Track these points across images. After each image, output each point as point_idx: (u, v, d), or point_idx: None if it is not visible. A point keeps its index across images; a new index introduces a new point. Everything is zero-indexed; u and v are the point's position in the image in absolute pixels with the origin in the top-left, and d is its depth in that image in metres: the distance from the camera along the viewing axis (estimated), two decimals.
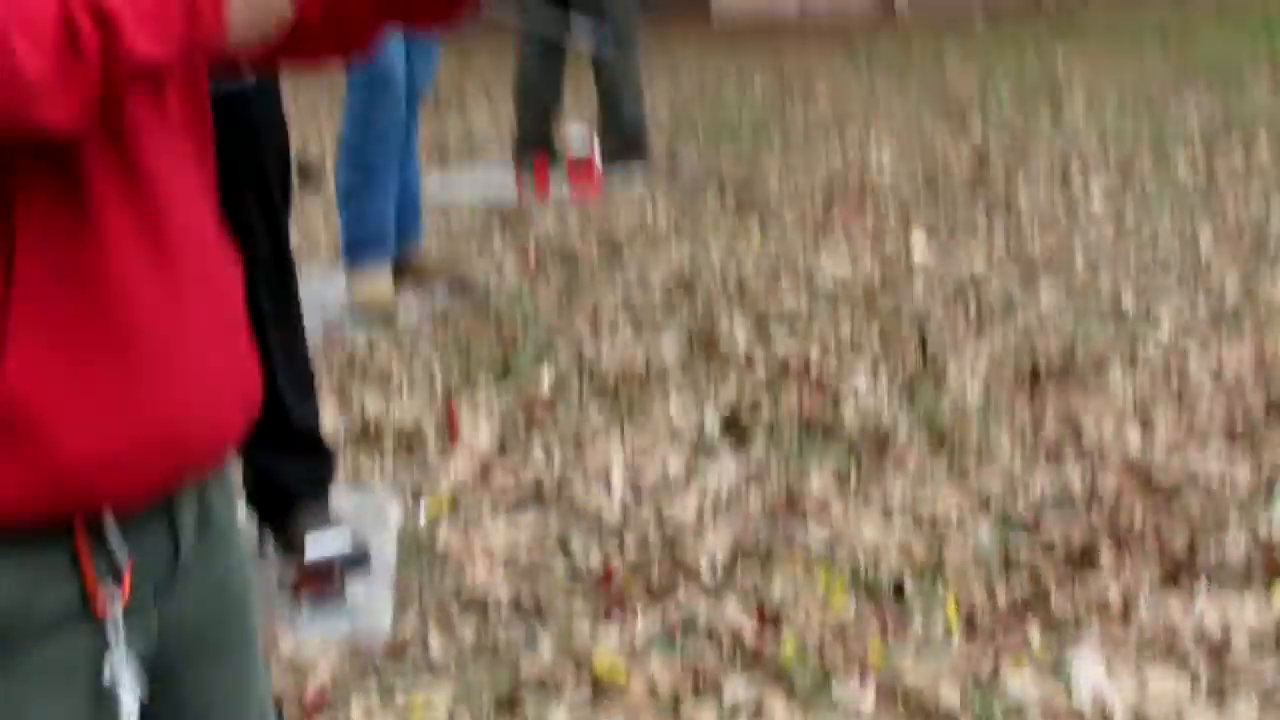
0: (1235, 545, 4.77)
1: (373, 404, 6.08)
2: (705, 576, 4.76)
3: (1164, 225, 8.36)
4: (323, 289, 7.29)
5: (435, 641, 4.30)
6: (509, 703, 3.96)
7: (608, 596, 4.57)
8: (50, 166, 2.03)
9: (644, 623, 4.37)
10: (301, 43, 2.32)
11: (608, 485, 5.49)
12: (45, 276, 2.02)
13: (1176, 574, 4.60)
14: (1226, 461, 5.43)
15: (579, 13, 9.68)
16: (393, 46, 7.20)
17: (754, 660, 4.15)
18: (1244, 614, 4.28)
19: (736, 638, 4.25)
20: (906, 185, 9.75)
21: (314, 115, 11.78)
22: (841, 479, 5.39)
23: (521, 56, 10.18)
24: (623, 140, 10.75)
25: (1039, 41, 15.85)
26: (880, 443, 5.73)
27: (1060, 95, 12.51)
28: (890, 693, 3.95)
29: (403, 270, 7.61)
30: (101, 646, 2.12)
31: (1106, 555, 4.66)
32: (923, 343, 6.84)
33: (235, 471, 2.90)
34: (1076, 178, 9.59)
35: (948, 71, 14.35)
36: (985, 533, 4.93)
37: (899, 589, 4.52)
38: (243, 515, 4.50)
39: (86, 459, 2.03)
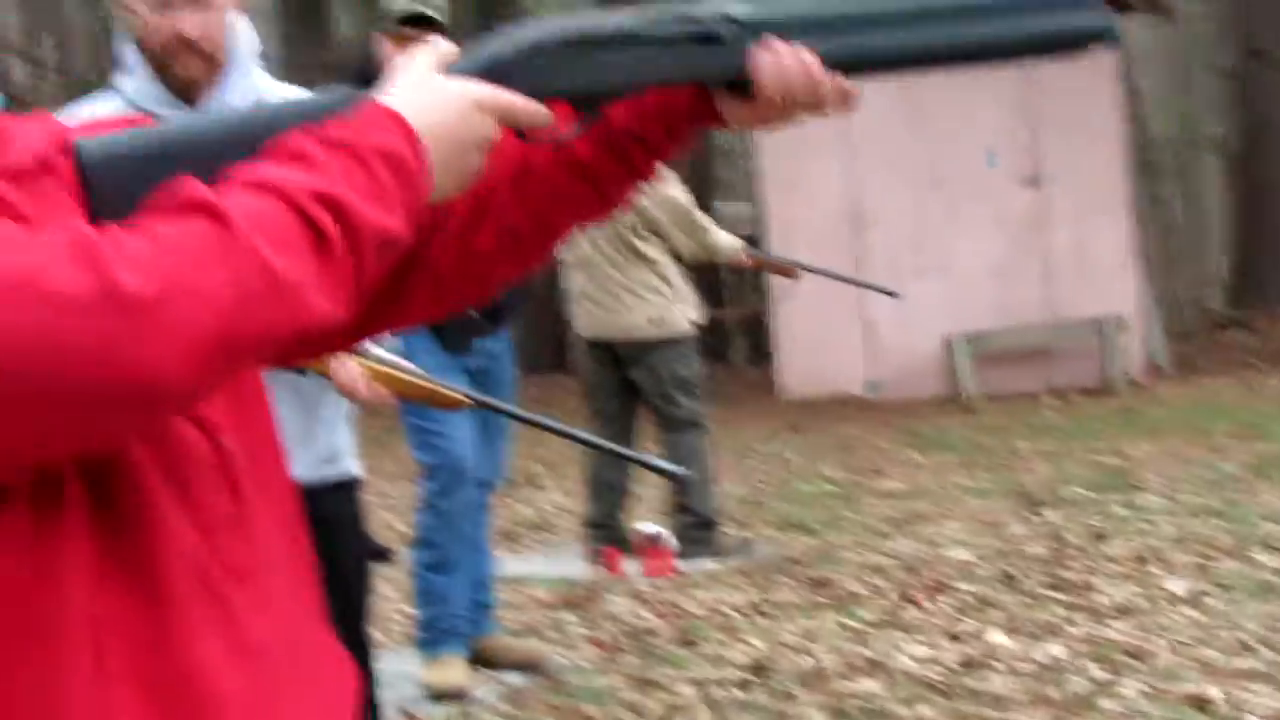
0: None
1: None
2: None
3: (1245, 621, 8.17)
4: (397, 668, 7.37)
5: None
6: None
7: None
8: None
9: None
10: (493, 226, 2.35)
11: None
12: (109, 617, 2.00)
13: None
14: None
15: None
16: (464, 435, 7.43)
17: None
18: None
19: None
20: (982, 569, 9.70)
21: (389, 501, 11.96)
22: None
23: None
24: (696, 524, 10.75)
25: (1109, 425, 15.92)
26: None
27: (1134, 482, 12.45)
28: None
29: (476, 654, 7.70)
30: None
31: None
32: None
33: None
34: (1154, 566, 9.49)
35: (1018, 453, 14.40)
36: None
37: None
38: None
39: None
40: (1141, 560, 9.62)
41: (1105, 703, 7.05)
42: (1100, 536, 10.41)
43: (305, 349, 2.13)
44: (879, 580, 9.64)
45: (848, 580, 9.71)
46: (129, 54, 4.99)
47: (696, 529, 10.60)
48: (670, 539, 10.45)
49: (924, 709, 7.12)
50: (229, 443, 2.18)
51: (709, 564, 10.32)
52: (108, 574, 1.99)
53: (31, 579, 1.96)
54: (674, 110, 2.31)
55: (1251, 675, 7.27)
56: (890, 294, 11.24)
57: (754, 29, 2.21)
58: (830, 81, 2.23)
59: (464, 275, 2.40)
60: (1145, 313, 19.73)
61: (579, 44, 2.23)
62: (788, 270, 11.17)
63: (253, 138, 2.01)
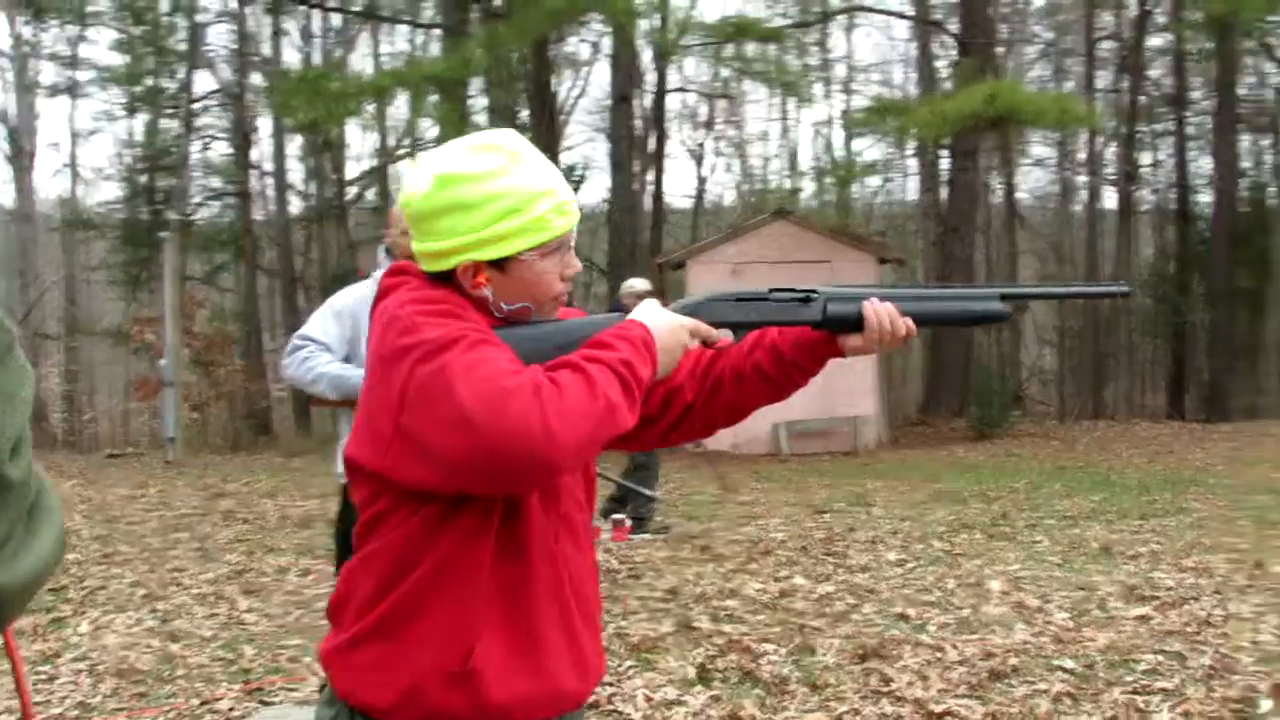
0: None
1: None
2: None
3: (927, 576, 8.21)
4: None
5: None
6: None
7: None
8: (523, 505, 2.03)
9: None
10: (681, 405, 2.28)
11: None
12: (502, 588, 2.01)
13: None
14: None
15: None
16: None
17: None
18: None
19: None
20: (791, 544, 9.58)
21: None
22: None
23: None
24: (642, 513, 10.18)
25: (857, 472, 15.50)
26: None
27: (869, 501, 12.32)
28: None
29: None
30: None
31: None
32: None
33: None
34: (880, 546, 9.49)
35: (810, 485, 14.06)
36: None
37: None
38: None
39: (508, 702, 1.99)
40: (873, 542, 9.63)
41: (855, 616, 7.03)
42: (851, 529, 10.37)
43: (613, 444, 1.99)
44: (736, 548, 9.53)
45: (720, 546, 9.61)
46: (382, 255, 4.87)
47: (642, 516, 10.23)
48: (627, 520, 10.08)
49: (761, 618, 7.01)
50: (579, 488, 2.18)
51: (646, 536, 10.06)
52: (504, 556, 2.00)
53: (472, 551, 1.97)
54: (813, 343, 2.25)
55: (931, 604, 7.33)
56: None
57: (828, 296, 2.22)
58: (901, 324, 2.20)
59: (690, 417, 2.30)
60: (878, 413, 19.35)
61: (736, 300, 2.23)
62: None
63: (582, 334, 2.04)
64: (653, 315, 2.10)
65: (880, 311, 2.19)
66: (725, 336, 2.20)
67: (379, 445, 1.91)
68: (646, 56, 27.39)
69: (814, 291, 2.22)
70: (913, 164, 33.70)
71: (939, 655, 6.09)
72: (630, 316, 2.10)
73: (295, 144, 31.41)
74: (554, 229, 2.02)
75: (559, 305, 2.11)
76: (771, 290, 2.23)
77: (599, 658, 2.17)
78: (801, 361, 2.24)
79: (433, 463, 1.81)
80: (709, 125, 34.66)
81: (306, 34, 31.98)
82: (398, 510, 1.97)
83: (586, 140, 30.68)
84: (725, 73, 29.22)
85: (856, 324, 2.20)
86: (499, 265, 2.01)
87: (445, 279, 2.03)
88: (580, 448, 1.81)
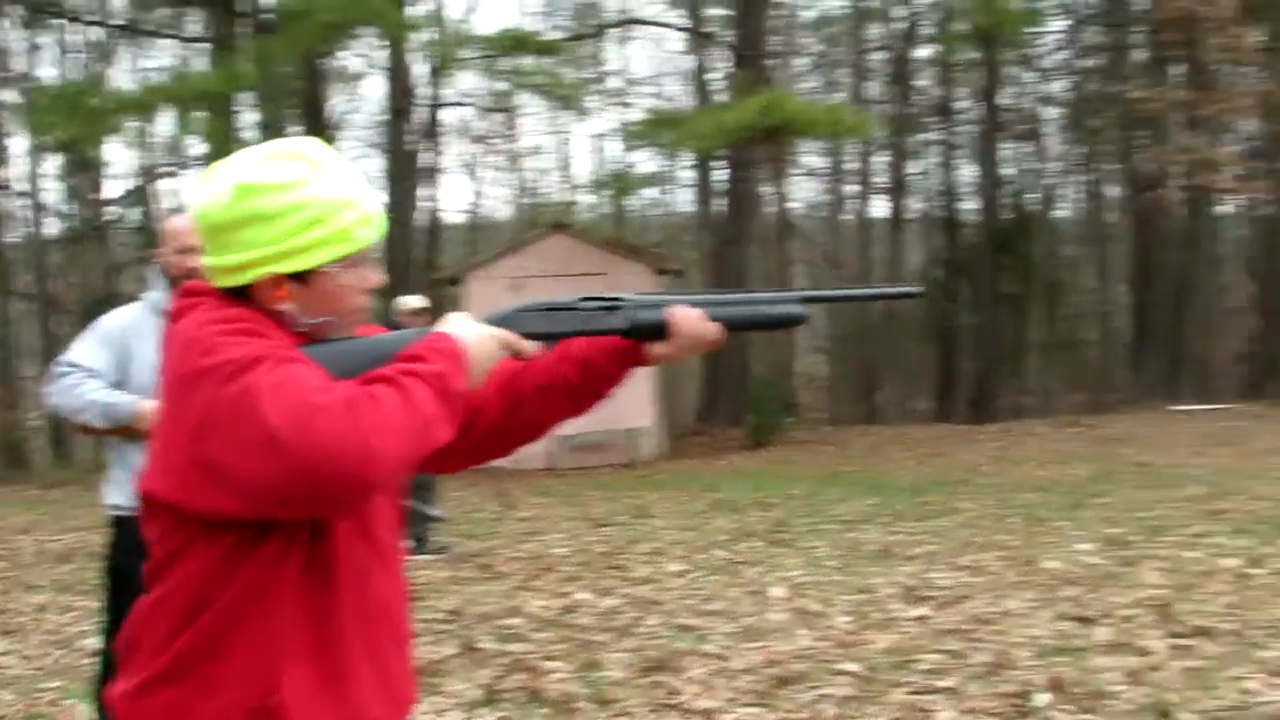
0: None
1: None
2: None
3: (710, 586, 8.25)
4: None
5: None
6: None
7: None
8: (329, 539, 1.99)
9: None
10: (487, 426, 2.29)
11: None
12: (308, 617, 1.96)
13: None
14: None
15: None
16: None
17: None
18: None
19: None
20: (572, 559, 9.66)
21: None
22: None
23: None
24: (422, 533, 10.17)
25: (636, 484, 15.68)
26: None
27: (649, 513, 12.40)
28: None
29: None
30: None
31: None
32: None
33: None
34: (661, 557, 9.50)
35: (589, 498, 14.13)
36: None
37: None
38: None
39: None
40: (655, 554, 9.72)
41: (640, 629, 7.09)
42: (633, 541, 10.47)
43: (428, 461, 1.96)
44: (518, 565, 9.57)
45: (501, 564, 9.65)
46: (154, 276, 4.68)
47: (420, 536, 10.15)
48: (408, 541, 10.07)
49: (546, 635, 7.02)
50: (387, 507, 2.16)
51: (427, 556, 10.02)
52: (310, 584, 1.96)
53: (275, 581, 1.92)
54: (619, 353, 2.27)
55: (715, 613, 7.37)
56: None
57: (635, 304, 2.23)
58: (707, 329, 2.22)
59: (494, 435, 2.31)
60: (656, 424, 19.64)
61: (546, 309, 2.23)
62: None
63: (394, 348, 2.01)
64: (463, 327, 2.09)
65: (686, 317, 2.21)
66: (535, 348, 2.20)
67: (177, 475, 1.86)
68: (422, 70, 27.44)
69: (621, 299, 2.24)
70: (689, 175, 34.26)
71: (725, 664, 6.15)
72: (439, 329, 2.08)
73: (52, 162, 30.79)
74: (358, 240, 2.01)
75: (360, 320, 2.09)
76: (582, 299, 2.25)
77: (410, 685, 2.15)
78: (607, 372, 2.27)
79: (237, 489, 1.77)
80: (485, 139, 34.64)
81: (63, 48, 31.24)
82: (195, 543, 1.92)
83: (360, 156, 30.38)
84: (502, 86, 29.31)
85: (663, 331, 2.23)
86: (300, 278, 1.98)
87: (242, 295, 1.99)
88: (398, 464, 1.79)
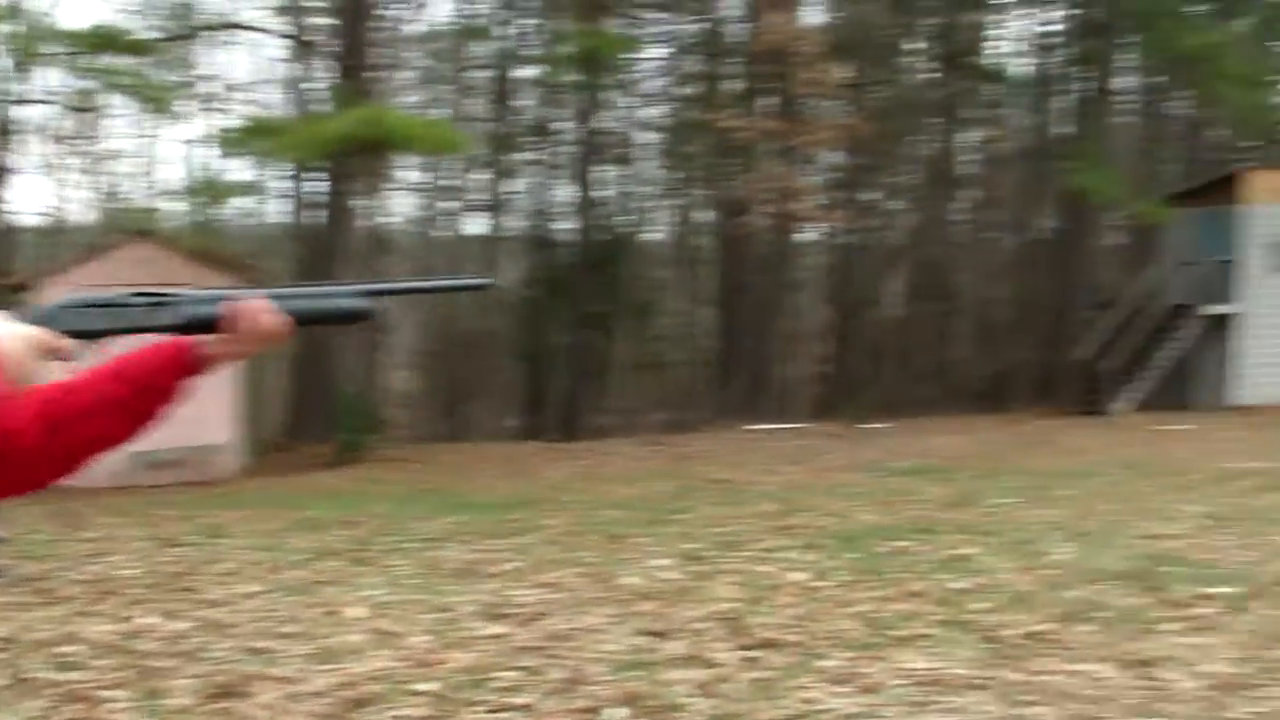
0: None
1: None
2: None
3: (286, 607, 8.05)
4: None
5: None
6: None
7: None
8: None
9: None
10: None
11: None
12: None
13: None
14: None
15: None
16: None
17: None
18: None
19: None
20: (148, 577, 9.20)
21: None
22: None
23: None
24: None
25: (215, 503, 15.19)
26: None
27: (225, 534, 11.93)
28: None
29: None
30: None
31: None
32: None
33: None
34: (235, 577, 9.22)
35: (164, 520, 13.49)
36: None
37: None
38: None
39: None
40: (229, 575, 9.30)
41: (209, 653, 6.79)
42: (207, 562, 10.00)
43: None
44: (80, 588, 8.98)
45: (61, 587, 9.01)
46: None
47: None
48: None
49: (107, 662, 6.69)
50: None
51: None
52: None
53: None
54: (175, 357, 2.06)
55: (290, 635, 7.12)
56: None
57: (189, 299, 2.08)
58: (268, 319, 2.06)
59: (33, 464, 2.07)
60: (235, 440, 19.46)
61: (94, 305, 2.09)
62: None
63: None
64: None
65: (246, 308, 2.03)
66: (77, 347, 2.03)
67: None
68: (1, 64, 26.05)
69: (175, 295, 2.08)
70: (283, 186, 33.54)
71: (298, 688, 6.04)
72: None
73: None
74: None
75: None
76: (133, 294, 2.09)
77: None
78: (161, 382, 2.06)
79: None
80: (68, 139, 32.87)
81: None
82: None
83: None
84: (89, 85, 27.91)
85: (221, 326, 2.08)
86: None
87: None
88: None
